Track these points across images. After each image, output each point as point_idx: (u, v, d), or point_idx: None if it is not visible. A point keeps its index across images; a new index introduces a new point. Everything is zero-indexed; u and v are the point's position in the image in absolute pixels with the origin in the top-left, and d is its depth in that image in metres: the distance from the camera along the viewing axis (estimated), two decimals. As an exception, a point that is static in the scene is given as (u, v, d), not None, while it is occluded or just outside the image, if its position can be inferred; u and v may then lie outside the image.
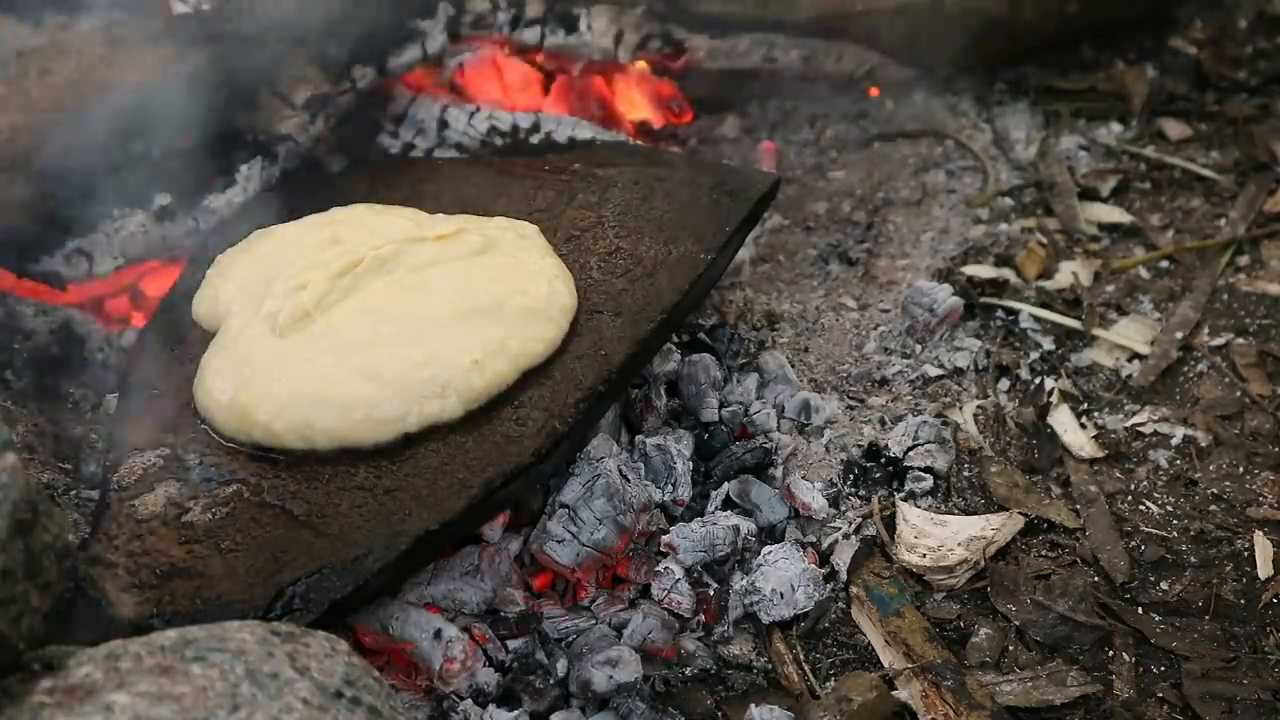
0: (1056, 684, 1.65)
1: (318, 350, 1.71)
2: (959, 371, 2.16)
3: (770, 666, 1.70)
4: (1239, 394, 2.12)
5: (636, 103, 2.67)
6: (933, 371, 2.16)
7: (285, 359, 1.71)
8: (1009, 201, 2.59)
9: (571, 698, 1.61)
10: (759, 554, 1.77)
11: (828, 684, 1.67)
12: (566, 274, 1.86)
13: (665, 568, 1.72)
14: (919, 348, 2.21)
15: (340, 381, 1.66)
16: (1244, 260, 2.42)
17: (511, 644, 1.63)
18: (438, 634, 1.58)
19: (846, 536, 1.84)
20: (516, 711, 1.56)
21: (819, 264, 2.44)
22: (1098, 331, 2.25)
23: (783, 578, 1.72)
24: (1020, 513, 1.89)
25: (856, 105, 2.86)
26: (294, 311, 1.75)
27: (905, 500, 1.91)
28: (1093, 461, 2.00)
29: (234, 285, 1.89)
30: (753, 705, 1.60)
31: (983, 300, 2.30)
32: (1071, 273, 2.38)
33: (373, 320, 1.74)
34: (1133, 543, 1.87)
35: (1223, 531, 1.88)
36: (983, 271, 2.37)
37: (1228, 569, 1.82)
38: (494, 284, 1.79)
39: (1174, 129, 2.76)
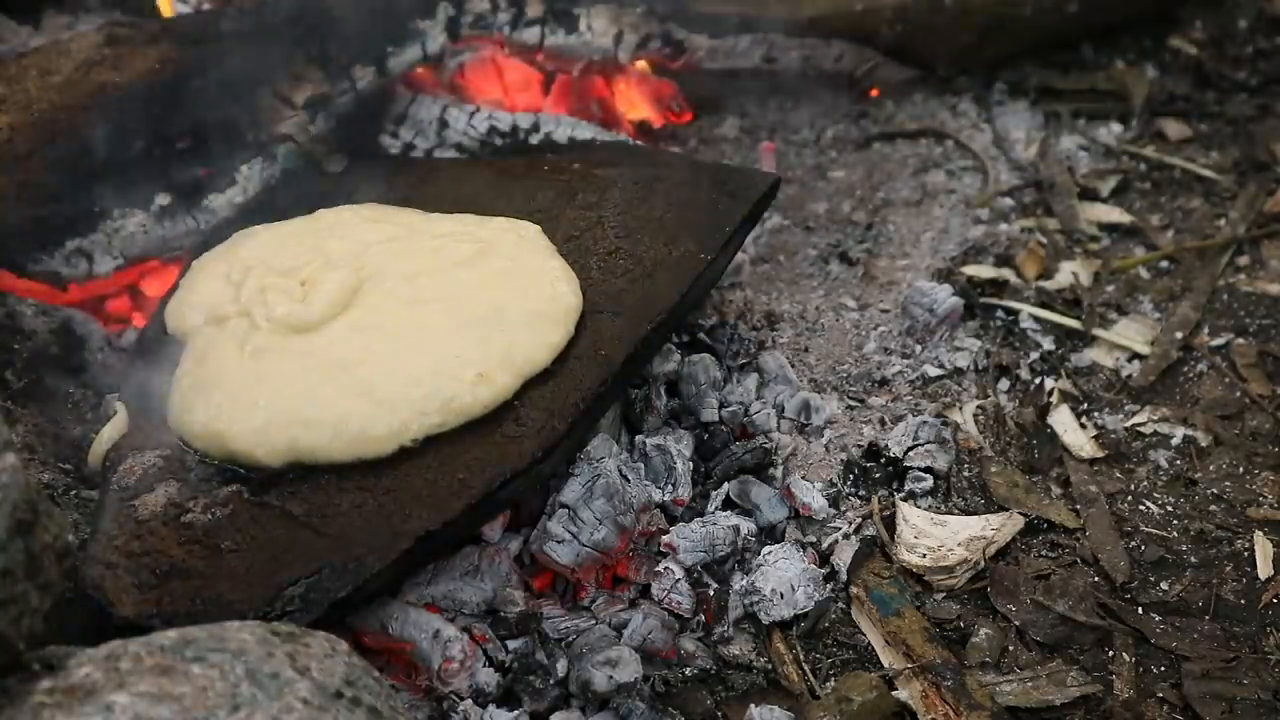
0: (1056, 684, 1.65)
1: (301, 369, 1.65)
2: (959, 371, 2.16)
3: (770, 666, 1.70)
4: (1239, 394, 2.12)
5: (636, 103, 2.67)
6: (933, 371, 2.16)
7: (261, 380, 1.64)
8: (1009, 201, 2.58)
9: (571, 698, 1.61)
10: (759, 554, 1.77)
11: (828, 684, 1.67)
12: (571, 275, 1.84)
13: (665, 568, 1.72)
14: (919, 348, 2.21)
15: (330, 401, 1.60)
16: (1244, 260, 2.42)
17: (511, 644, 1.63)
18: (437, 634, 1.58)
19: (846, 536, 1.84)
20: (516, 711, 1.56)
21: (819, 264, 2.44)
22: (1098, 331, 2.25)
23: (783, 578, 1.72)
24: (1020, 513, 1.89)
25: (856, 105, 2.86)
26: (265, 339, 1.69)
27: (905, 500, 1.91)
28: (1093, 461, 2.00)
29: (202, 297, 1.82)
30: (753, 705, 1.60)
31: (983, 300, 2.30)
32: (1071, 273, 2.38)
33: (365, 335, 1.68)
34: (1133, 543, 1.87)
35: (1223, 531, 1.88)
36: (983, 271, 2.37)
37: (1228, 569, 1.82)
38: (494, 290, 1.75)
39: (1174, 129, 2.76)
